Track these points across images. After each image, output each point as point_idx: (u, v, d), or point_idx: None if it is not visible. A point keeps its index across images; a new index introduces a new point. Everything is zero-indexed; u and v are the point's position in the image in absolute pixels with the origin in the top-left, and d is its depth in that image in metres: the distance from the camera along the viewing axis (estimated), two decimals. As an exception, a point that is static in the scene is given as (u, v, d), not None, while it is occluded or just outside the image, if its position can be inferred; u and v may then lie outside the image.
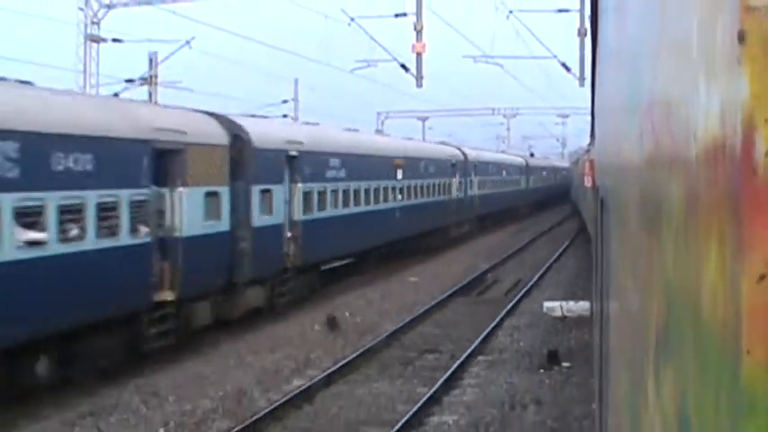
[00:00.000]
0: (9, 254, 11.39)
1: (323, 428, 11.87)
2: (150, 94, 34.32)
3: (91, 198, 13.00)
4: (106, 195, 13.45)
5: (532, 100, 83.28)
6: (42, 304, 11.85)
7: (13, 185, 11.41)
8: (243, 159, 18.11)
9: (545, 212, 64.72)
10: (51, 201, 12.10)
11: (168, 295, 15.16)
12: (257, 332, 17.80)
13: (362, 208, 25.96)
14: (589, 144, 16.19)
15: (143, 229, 14.56)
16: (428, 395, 13.16)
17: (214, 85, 38.40)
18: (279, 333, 17.86)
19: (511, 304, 21.73)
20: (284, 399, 12.99)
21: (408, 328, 18.89)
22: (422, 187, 33.13)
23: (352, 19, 28.97)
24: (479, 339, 17.29)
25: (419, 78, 28.14)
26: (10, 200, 11.35)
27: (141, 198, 14.45)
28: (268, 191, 19.34)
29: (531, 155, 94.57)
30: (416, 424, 12.01)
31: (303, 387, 13.63)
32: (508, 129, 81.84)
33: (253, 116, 22.61)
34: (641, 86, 1.89)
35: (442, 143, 44.44)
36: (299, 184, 21.10)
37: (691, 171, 1.15)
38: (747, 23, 0.90)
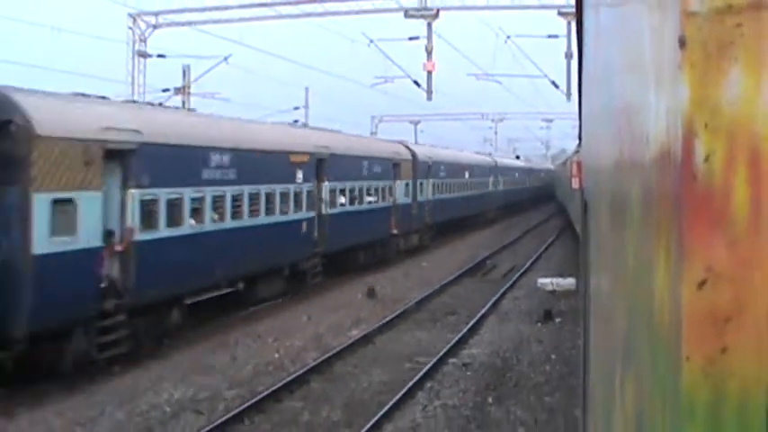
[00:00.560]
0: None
1: (387, 357, 16.75)
2: (183, 103, 39.05)
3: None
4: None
5: (519, 105, 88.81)
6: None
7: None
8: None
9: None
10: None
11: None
12: (318, 299, 22.79)
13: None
14: (578, 146, 19.69)
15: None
16: (457, 338, 18.10)
17: (248, 95, 43.07)
18: (333, 300, 22.86)
19: (510, 282, 26.79)
20: (351, 341, 17.84)
21: (430, 298, 23.84)
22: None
23: (371, 41, 33.88)
24: (489, 305, 22.31)
25: (429, 92, 33.15)
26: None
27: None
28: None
29: (517, 157, 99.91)
30: (453, 354, 16.95)
31: (363, 333, 18.52)
32: (496, 132, 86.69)
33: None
34: (612, 94, 1.92)
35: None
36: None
37: (644, 176, 1.15)
38: (688, 28, 0.91)
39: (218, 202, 18.49)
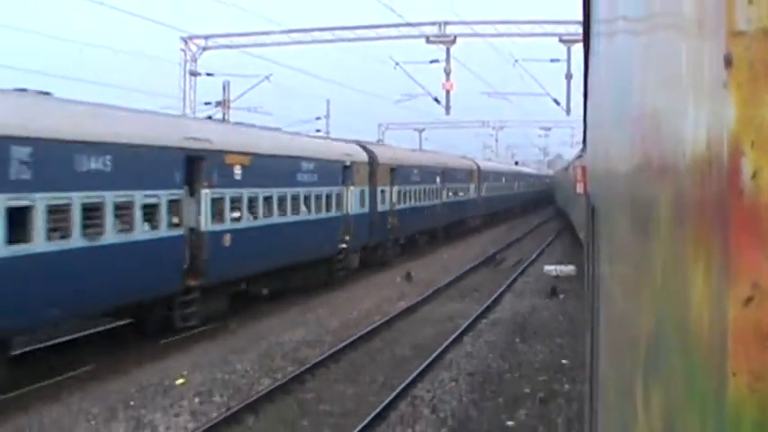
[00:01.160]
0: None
1: (433, 318, 22.08)
2: (224, 115, 44.42)
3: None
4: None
5: (519, 114, 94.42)
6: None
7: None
8: None
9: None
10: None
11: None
12: (365, 281, 28.25)
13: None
14: (581, 150, 21.55)
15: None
16: (484, 306, 23.50)
17: (286, 109, 48.66)
18: (378, 281, 28.30)
19: (520, 270, 32.26)
20: (400, 310, 23.13)
21: (455, 281, 29.26)
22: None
23: (397, 63, 39.38)
24: (505, 285, 27.75)
25: (447, 108, 38.56)
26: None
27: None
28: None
29: (516, 163, 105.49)
30: (483, 317, 22.31)
31: (409, 304, 23.85)
32: (497, 140, 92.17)
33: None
34: (630, 106, 1.88)
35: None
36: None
37: (679, 190, 1.15)
38: (734, 48, 0.91)
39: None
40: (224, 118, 43.44)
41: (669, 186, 1.24)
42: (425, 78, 40.35)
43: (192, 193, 18.73)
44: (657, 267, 1.37)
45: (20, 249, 13.43)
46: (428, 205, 40.96)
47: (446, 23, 38.39)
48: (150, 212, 17.05)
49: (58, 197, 14.31)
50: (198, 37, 41.61)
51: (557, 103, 39.23)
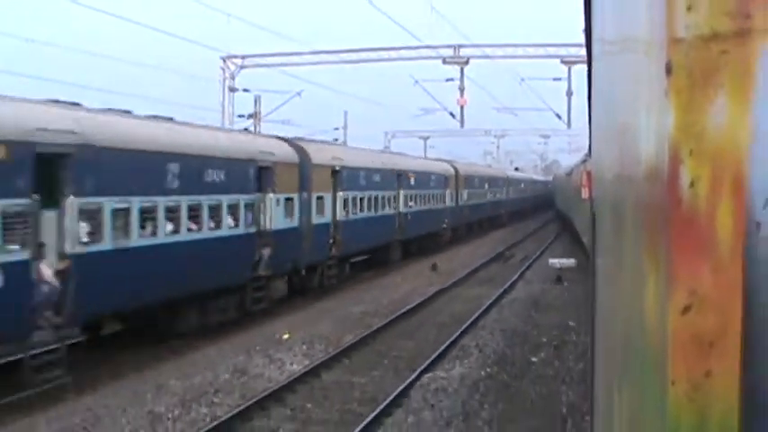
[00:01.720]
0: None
1: (461, 298, 27.26)
2: (255, 127, 49.59)
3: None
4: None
5: (519, 122, 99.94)
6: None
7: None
8: None
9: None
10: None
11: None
12: (398, 272, 33.53)
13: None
14: (586, 155, 23.47)
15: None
16: (502, 290, 28.73)
17: (315, 122, 54.09)
18: (408, 272, 33.56)
19: (527, 264, 37.53)
20: (431, 294, 28.29)
21: (473, 272, 34.50)
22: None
23: (416, 81, 44.68)
24: (516, 275, 33.00)
25: (462, 122, 43.82)
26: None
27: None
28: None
29: (516, 169, 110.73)
30: (502, 297, 27.52)
31: (439, 288, 29.04)
32: (498, 147, 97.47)
33: None
34: (614, 117, 1.96)
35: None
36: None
37: (637, 199, 1.18)
38: (674, 55, 0.92)
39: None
40: (255, 129, 48.73)
41: (631, 195, 1.23)
42: (441, 95, 45.65)
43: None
44: (626, 276, 1.37)
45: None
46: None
47: (460, 46, 43.68)
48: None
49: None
50: (236, 57, 46.80)
51: (558, 117, 44.61)
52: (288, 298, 24.85)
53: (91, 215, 15.52)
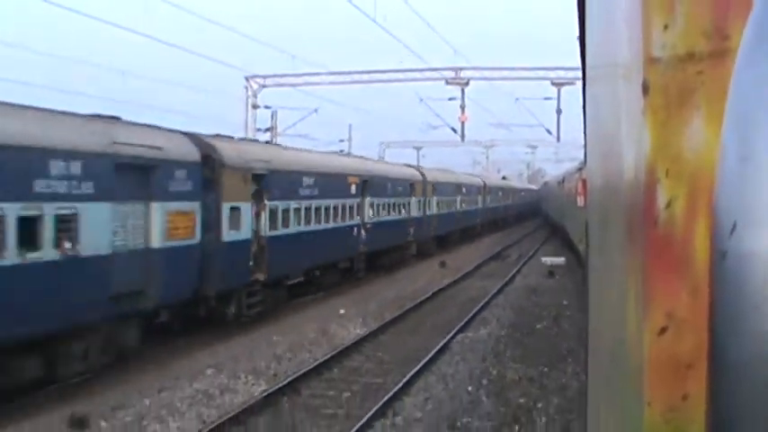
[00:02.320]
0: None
1: (471, 288, 33.12)
2: (271, 139, 55.26)
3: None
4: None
5: (507, 133, 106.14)
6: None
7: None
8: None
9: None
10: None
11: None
12: (411, 268, 39.46)
13: None
14: (581, 163, 24.89)
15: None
16: (504, 282, 34.66)
17: (329, 136, 59.92)
18: (420, 269, 39.49)
19: (523, 262, 43.51)
20: (437, 290, 34.09)
21: (477, 268, 40.44)
22: None
23: (421, 99, 50.68)
24: (515, 270, 38.96)
25: (462, 136, 49.80)
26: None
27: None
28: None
29: (504, 178, 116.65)
30: (506, 287, 33.43)
31: (450, 281, 34.88)
32: (487, 157, 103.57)
33: None
34: (602, 134, 1.99)
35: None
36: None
37: (618, 219, 1.18)
38: (650, 74, 0.91)
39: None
40: (271, 142, 54.43)
41: (615, 212, 1.22)
42: (445, 111, 51.64)
43: None
44: (611, 290, 1.36)
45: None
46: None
47: (461, 69, 49.65)
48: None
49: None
50: (258, 77, 52.53)
51: (549, 132, 50.67)
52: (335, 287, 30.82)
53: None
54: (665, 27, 0.91)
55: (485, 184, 70.59)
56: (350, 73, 51.57)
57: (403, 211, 41.79)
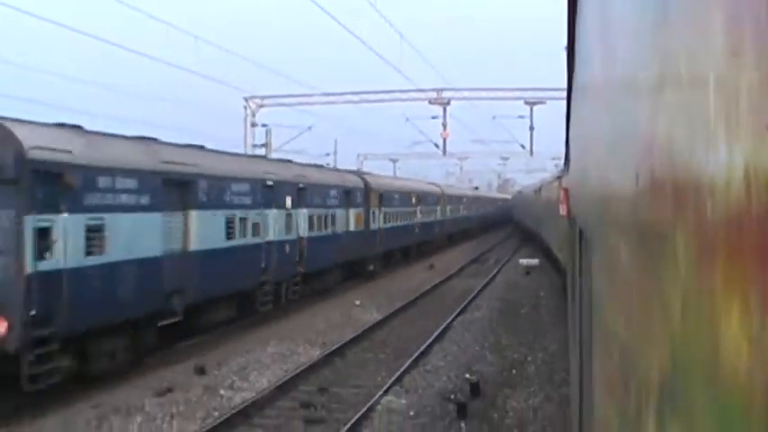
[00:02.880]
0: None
1: (460, 284, 38.70)
2: (266, 154, 60.49)
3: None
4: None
5: (480, 146, 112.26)
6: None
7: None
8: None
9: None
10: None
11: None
12: (404, 270, 45.04)
13: None
14: (562, 171, 24.18)
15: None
16: (488, 279, 40.31)
17: (322, 151, 65.23)
18: (411, 271, 45.09)
19: (502, 264, 49.25)
20: (431, 287, 39.62)
21: (462, 269, 46.10)
22: None
23: (407, 119, 56.34)
24: (496, 270, 44.66)
25: (444, 151, 55.46)
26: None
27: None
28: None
29: (476, 188, 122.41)
30: (489, 283, 39.07)
31: (441, 279, 40.44)
32: (461, 168, 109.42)
33: None
34: (636, 129, 1.86)
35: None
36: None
37: (707, 225, 1.11)
38: None
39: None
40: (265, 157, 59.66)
41: (698, 219, 1.14)
42: (428, 128, 57.29)
43: None
44: (677, 296, 1.27)
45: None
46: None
47: (443, 89, 55.38)
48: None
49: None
50: (256, 97, 57.81)
51: (522, 147, 56.48)
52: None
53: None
54: None
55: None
56: (342, 94, 57.09)
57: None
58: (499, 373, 19.23)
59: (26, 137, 15.19)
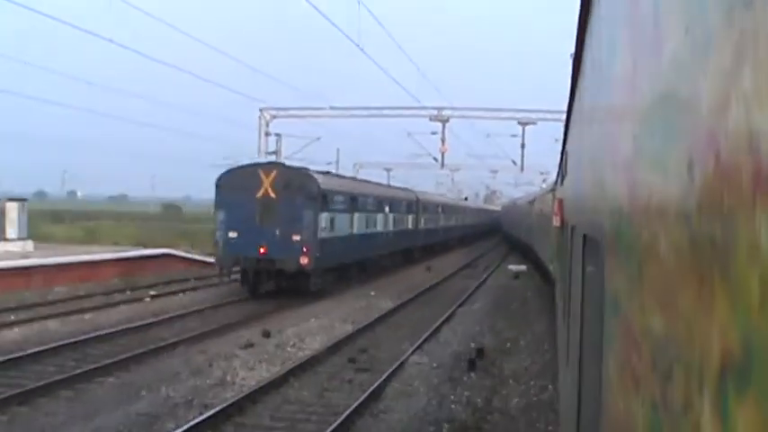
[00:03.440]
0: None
1: (457, 284, 44.43)
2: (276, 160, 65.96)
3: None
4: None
5: (471, 159, 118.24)
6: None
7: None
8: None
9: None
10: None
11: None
12: (405, 271, 50.80)
13: None
14: (555, 183, 25.74)
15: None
16: (480, 281, 46.09)
17: (329, 160, 70.74)
18: (411, 272, 50.86)
19: (492, 269, 55.03)
20: (432, 284, 45.32)
21: (457, 272, 51.86)
22: None
23: (409, 134, 62.20)
24: (487, 275, 50.49)
25: (442, 164, 61.25)
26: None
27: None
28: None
29: (465, 198, 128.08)
30: (482, 285, 44.82)
31: (439, 280, 46.14)
32: (453, 180, 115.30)
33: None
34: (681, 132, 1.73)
35: None
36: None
37: (735, 232, 1.12)
38: None
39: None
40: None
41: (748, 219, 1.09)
42: (428, 143, 63.11)
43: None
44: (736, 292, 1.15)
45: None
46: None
47: (442, 108, 61.18)
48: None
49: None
50: (270, 108, 63.38)
51: (514, 163, 62.32)
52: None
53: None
54: None
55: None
56: (349, 108, 62.77)
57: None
58: (497, 346, 24.96)
59: (318, 178, 35.92)
